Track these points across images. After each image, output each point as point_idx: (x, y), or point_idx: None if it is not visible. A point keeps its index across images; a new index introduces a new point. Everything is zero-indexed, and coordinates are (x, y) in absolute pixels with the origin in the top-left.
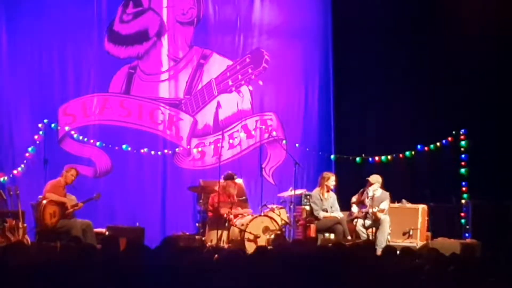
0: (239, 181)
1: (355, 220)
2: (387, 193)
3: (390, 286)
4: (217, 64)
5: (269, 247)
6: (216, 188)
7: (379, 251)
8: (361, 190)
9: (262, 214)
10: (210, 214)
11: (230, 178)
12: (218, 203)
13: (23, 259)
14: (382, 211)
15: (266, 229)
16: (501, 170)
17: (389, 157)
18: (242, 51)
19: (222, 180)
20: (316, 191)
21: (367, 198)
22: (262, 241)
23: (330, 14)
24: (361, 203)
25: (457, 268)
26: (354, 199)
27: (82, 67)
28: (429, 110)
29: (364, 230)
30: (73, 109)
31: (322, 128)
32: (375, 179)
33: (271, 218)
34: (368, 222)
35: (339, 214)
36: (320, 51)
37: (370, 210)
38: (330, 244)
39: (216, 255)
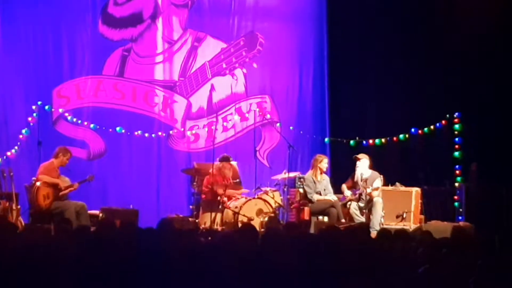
0: (233, 163)
1: (349, 203)
2: (377, 173)
3: (384, 268)
4: (211, 47)
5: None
6: (210, 170)
7: (373, 234)
8: (352, 174)
9: (256, 196)
10: (204, 196)
11: (226, 160)
12: (213, 184)
13: (13, 240)
14: (376, 189)
15: (260, 212)
16: (495, 154)
17: (383, 140)
18: (236, 34)
19: (217, 162)
20: (309, 174)
21: (360, 180)
22: (256, 224)
23: None
24: (352, 188)
25: (451, 251)
26: (345, 185)
27: (76, 50)
28: (423, 94)
29: (358, 213)
30: (67, 91)
31: (317, 111)
32: (363, 156)
33: (265, 200)
34: (362, 204)
35: (332, 197)
36: (315, 33)
37: (365, 191)
38: (324, 227)
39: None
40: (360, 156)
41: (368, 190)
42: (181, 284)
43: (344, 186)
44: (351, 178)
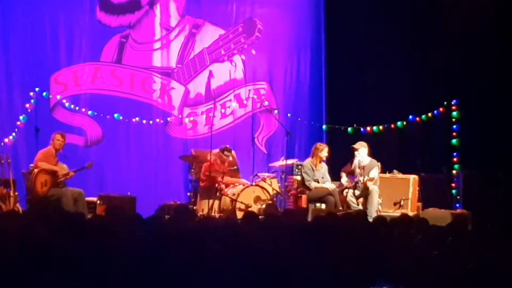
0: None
1: (346, 190)
2: (375, 161)
3: (383, 255)
4: (209, 33)
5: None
6: (209, 157)
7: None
8: (351, 160)
9: (254, 183)
10: (202, 183)
11: (222, 150)
12: (210, 172)
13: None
14: (371, 180)
15: (257, 199)
16: (492, 141)
17: (380, 127)
18: (234, 20)
19: (218, 151)
20: (307, 161)
21: (358, 168)
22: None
23: None
24: (350, 174)
25: (449, 238)
26: (343, 170)
27: (73, 36)
28: (421, 81)
29: (354, 201)
30: (64, 78)
31: (314, 97)
32: (360, 145)
33: (262, 188)
34: (358, 192)
35: (330, 185)
36: (312, 19)
37: (361, 179)
38: (322, 214)
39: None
40: (357, 146)
41: (363, 179)
42: (178, 272)
43: (342, 173)
44: (350, 163)
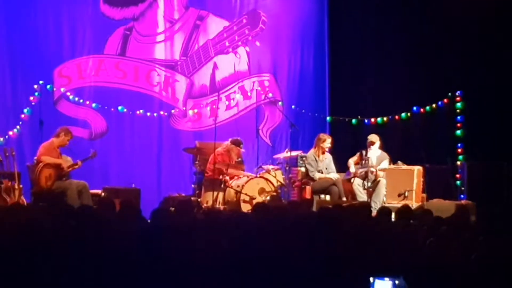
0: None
1: (353, 179)
2: (386, 154)
3: (386, 246)
4: (213, 25)
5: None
6: (220, 148)
7: (374, 212)
8: (360, 151)
9: (258, 175)
10: (207, 174)
11: (237, 143)
12: (214, 164)
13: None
14: (383, 170)
15: (262, 191)
16: (497, 132)
17: (384, 118)
18: (239, 12)
19: (229, 143)
20: (311, 152)
21: (367, 160)
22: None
23: None
24: (359, 164)
25: (453, 228)
26: (352, 160)
27: (77, 29)
28: (425, 72)
29: (361, 189)
30: (68, 71)
31: (318, 89)
32: (375, 138)
33: (267, 179)
34: (368, 184)
35: (334, 175)
36: (316, 11)
37: (373, 169)
38: (328, 206)
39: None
40: (374, 140)
41: (375, 170)
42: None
43: (350, 162)
44: (359, 154)
